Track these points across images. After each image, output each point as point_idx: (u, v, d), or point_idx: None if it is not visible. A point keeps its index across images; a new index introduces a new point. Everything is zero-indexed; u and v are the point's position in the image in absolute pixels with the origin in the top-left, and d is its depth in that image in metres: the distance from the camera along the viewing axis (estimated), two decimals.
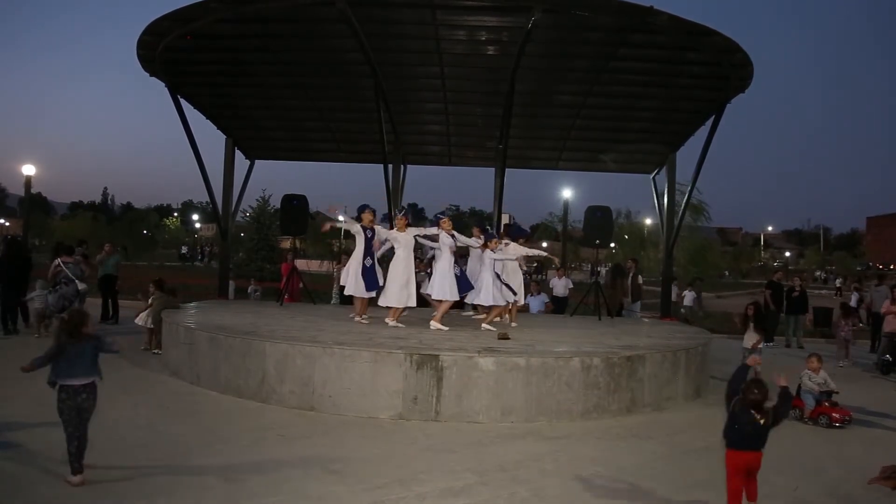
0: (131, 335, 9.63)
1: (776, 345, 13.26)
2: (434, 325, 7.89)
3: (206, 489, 4.17)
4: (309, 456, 4.93)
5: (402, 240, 8.10)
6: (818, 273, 56.12)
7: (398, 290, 7.98)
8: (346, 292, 8.64)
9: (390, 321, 8.06)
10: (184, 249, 53.83)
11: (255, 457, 4.84)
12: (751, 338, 8.50)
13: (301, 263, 17.98)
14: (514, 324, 8.87)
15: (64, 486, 4.07)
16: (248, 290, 15.59)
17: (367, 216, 8.33)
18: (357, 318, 8.42)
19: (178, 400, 6.56)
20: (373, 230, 8.32)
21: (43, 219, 53.92)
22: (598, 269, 13.70)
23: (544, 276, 27.93)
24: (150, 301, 9.35)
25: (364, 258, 8.30)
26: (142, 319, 9.27)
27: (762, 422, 3.83)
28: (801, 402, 6.83)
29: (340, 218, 9.04)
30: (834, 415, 6.56)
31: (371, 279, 8.32)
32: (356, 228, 8.26)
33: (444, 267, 8.08)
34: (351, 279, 8.36)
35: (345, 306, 11.48)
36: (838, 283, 16.62)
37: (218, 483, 4.28)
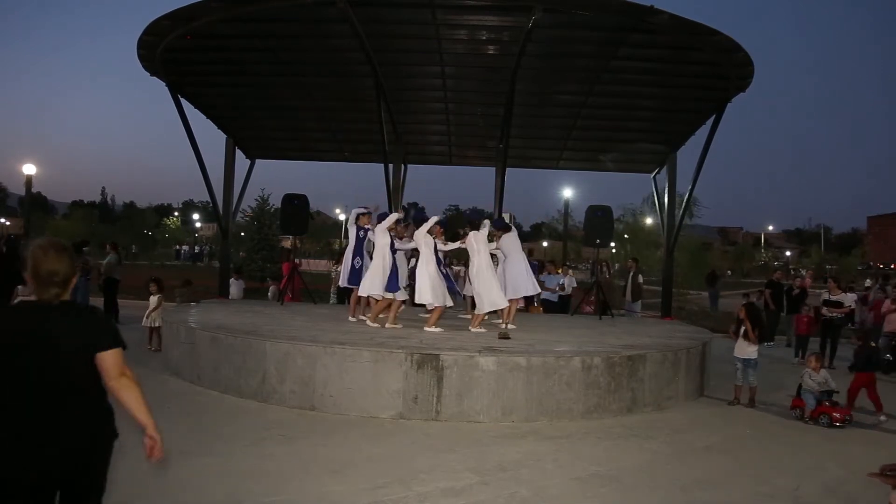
0: (134, 333, 9.63)
1: (777, 344, 13.27)
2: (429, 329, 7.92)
3: (207, 489, 4.18)
4: (310, 455, 4.94)
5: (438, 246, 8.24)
6: (796, 271, 55.57)
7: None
8: (367, 293, 8.30)
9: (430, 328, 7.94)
10: (196, 248, 54.04)
11: (255, 456, 4.84)
12: (744, 348, 7.38)
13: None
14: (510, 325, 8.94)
15: None
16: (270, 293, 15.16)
17: (364, 218, 8.65)
18: (373, 323, 8.19)
19: (178, 399, 6.55)
20: (366, 232, 8.64)
21: (44, 218, 53.80)
22: (602, 267, 13.66)
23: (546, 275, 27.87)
24: (153, 300, 9.36)
25: (354, 258, 8.60)
26: (149, 320, 9.24)
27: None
28: (802, 401, 6.83)
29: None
30: (834, 414, 6.55)
31: (358, 278, 8.50)
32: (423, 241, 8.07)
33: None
34: (376, 279, 8.12)
35: (343, 306, 11.46)
36: (867, 283, 16.28)
37: (218, 483, 4.28)
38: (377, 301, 8.33)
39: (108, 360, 2.40)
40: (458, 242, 8.49)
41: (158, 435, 2.49)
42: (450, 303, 8.18)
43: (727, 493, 4.51)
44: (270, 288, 15.46)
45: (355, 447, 5.20)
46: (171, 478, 4.31)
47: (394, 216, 8.36)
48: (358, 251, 8.68)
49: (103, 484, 2.55)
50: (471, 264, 8.25)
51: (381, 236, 8.19)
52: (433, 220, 8.14)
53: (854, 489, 4.66)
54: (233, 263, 15.81)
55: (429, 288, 7.78)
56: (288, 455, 4.91)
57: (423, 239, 8.01)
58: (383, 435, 5.59)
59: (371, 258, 8.50)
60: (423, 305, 8.37)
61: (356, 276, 8.57)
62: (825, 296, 11.37)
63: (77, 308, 2.51)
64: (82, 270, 11.61)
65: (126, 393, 2.42)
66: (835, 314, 10.89)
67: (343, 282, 8.96)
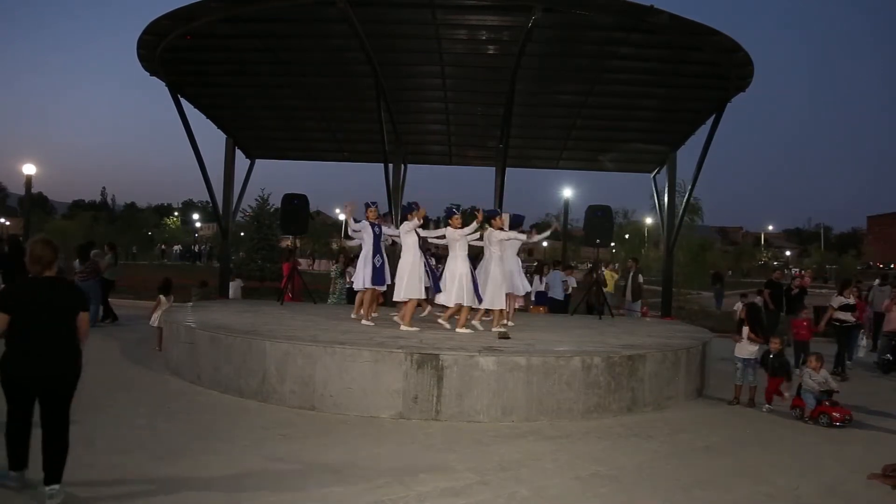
0: (133, 334, 9.64)
1: None
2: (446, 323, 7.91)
3: (207, 489, 4.17)
4: (310, 455, 4.94)
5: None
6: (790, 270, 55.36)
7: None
8: (406, 296, 7.85)
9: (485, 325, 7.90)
10: (195, 248, 54.00)
11: (255, 456, 4.84)
12: (745, 348, 7.48)
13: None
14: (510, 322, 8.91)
15: (65, 487, 4.06)
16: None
17: (371, 212, 8.38)
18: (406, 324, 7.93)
19: (178, 399, 6.56)
20: (380, 227, 8.39)
21: (44, 218, 53.76)
22: (603, 268, 13.68)
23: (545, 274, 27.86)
24: (158, 302, 9.36)
25: (374, 256, 8.25)
26: (155, 320, 9.22)
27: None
28: (802, 401, 6.83)
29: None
30: (834, 414, 6.55)
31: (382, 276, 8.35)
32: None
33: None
34: (413, 279, 7.81)
35: (347, 306, 11.46)
36: (876, 282, 16.14)
37: (218, 483, 4.28)
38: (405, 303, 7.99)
39: (83, 318, 3.98)
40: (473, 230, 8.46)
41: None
42: (452, 301, 8.12)
43: (727, 493, 4.51)
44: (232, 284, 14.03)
45: (355, 447, 5.20)
46: (171, 478, 4.32)
47: (420, 213, 7.89)
48: (377, 249, 8.26)
49: (72, 394, 3.96)
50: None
51: (408, 235, 7.87)
52: (515, 218, 8.08)
53: (854, 489, 4.67)
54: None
55: (455, 289, 7.71)
56: (288, 455, 4.91)
57: (459, 240, 7.80)
58: (383, 435, 5.59)
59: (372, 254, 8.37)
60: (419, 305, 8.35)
61: (379, 275, 8.25)
62: (839, 300, 10.49)
63: (63, 282, 4.04)
64: (91, 272, 11.57)
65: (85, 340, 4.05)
66: (853, 319, 10.42)
67: (364, 283, 8.24)
